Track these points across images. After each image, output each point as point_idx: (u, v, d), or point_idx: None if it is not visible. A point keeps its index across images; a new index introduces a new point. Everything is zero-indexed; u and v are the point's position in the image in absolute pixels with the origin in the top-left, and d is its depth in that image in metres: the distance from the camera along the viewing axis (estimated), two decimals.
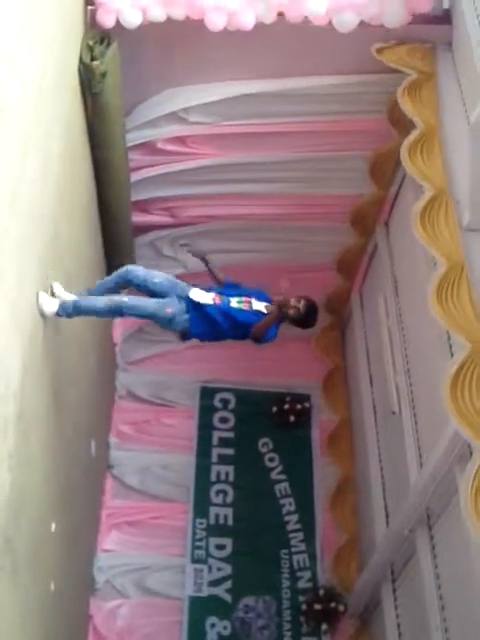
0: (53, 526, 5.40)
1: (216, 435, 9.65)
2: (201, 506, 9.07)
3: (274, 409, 9.69)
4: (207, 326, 5.42)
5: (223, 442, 9.60)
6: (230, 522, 9.05)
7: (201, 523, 8.97)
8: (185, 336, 5.57)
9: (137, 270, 5.52)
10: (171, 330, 5.50)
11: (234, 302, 5.44)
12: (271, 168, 8.39)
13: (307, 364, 10.12)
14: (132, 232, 8.51)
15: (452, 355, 6.12)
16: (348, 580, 8.51)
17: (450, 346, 6.24)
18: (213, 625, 8.42)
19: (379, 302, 8.48)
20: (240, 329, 5.44)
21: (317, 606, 8.43)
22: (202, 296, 5.40)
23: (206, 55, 7.29)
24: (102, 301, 5.30)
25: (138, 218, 8.62)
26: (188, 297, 5.37)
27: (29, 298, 4.56)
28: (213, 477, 9.30)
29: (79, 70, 6.20)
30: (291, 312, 5.42)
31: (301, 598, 8.61)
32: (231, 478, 9.32)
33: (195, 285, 5.52)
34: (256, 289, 5.69)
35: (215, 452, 9.51)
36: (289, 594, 8.68)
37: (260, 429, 9.70)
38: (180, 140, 8.05)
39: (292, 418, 9.68)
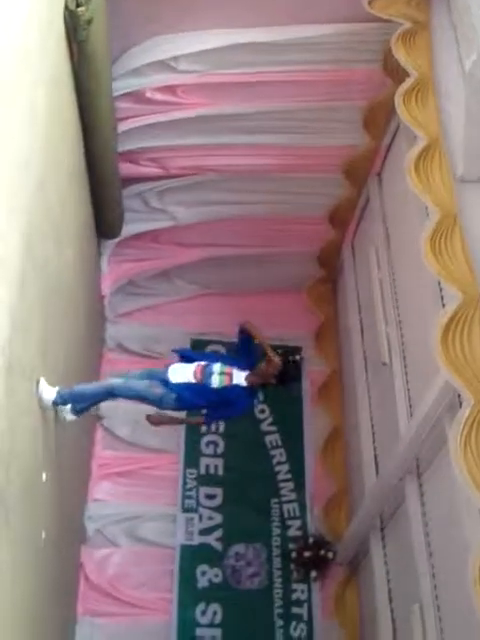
0: (44, 476, 5.43)
1: None
2: (191, 456, 9.15)
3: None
4: (195, 400, 5.57)
5: None
6: (220, 472, 9.14)
7: (191, 473, 9.05)
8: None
9: (118, 385, 5.63)
10: (164, 409, 5.69)
11: (215, 376, 5.53)
12: (263, 118, 8.27)
13: (299, 316, 10.12)
14: (120, 183, 8.39)
15: (444, 305, 6.12)
16: (337, 528, 8.64)
17: (442, 297, 6.24)
18: (204, 573, 8.55)
19: (371, 254, 8.45)
20: (221, 405, 5.60)
21: (307, 554, 8.57)
22: (180, 375, 5.53)
23: (195, 1, 7.13)
24: (94, 387, 5.71)
25: (126, 169, 8.49)
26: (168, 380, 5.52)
27: (16, 250, 4.51)
28: (203, 428, 9.34)
29: (64, 17, 6.04)
30: (271, 371, 5.54)
31: (291, 546, 8.75)
32: (221, 429, 9.39)
33: (171, 363, 5.65)
34: (240, 352, 5.75)
35: None
36: (279, 542, 8.81)
37: None
38: (169, 89, 7.91)
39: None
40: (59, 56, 5.92)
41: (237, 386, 5.55)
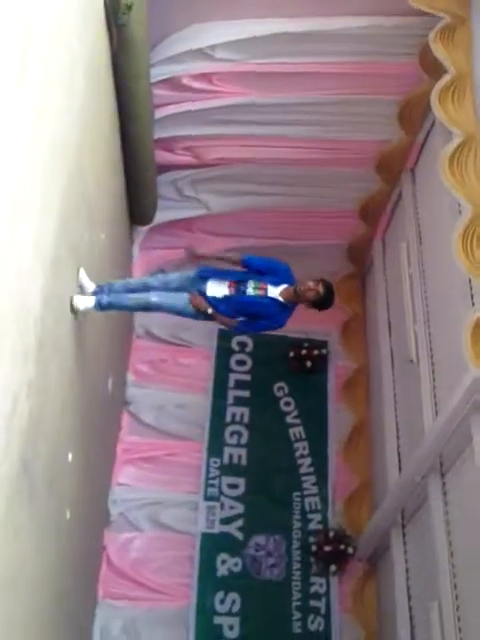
0: (70, 456, 5.49)
1: (232, 377, 9.72)
2: (215, 445, 9.18)
3: (291, 354, 9.72)
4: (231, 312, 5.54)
5: (239, 384, 9.67)
6: (244, 462, 9.16)
7: (215, 462, 9.08)
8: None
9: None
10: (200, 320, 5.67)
11: (250, 288, 5.50)
12: (298, 110, 8.26)
13: (326, 311, 10.06)
14: (154, 170, 8.43)
15: (473, 304, 6.09)
16: (358, 523, 8.62)
17: (472, 295, 6.21)
18: (224, 561, 8.58)
19: (401, 250, 8.41)
20: (255, 317, 5.57)
21: (327, 547, 8.56)
22: (216, 290, 5.50)
23: None
24: (130, 299, 5.62)
25: (161, 157, 8.53)
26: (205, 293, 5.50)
27: (52, 228, 4.55)
28: (228, 418, 9.38)
29: (105, 1, 6.08)
30: (310, 295, 5.45)
31: (311, 539, 8.75)
32: (246, 420, 9.41)
33: (208, 276, 5.58)
34: (274, 267, 5.68)
35: (231, 394, 9.58)
36: (300, 535, 8.81)
37: (276, 373, 9.75)
38: (206, 77, 7.93)
39: (309, 363, 9.72)
40: (98, 40, 5.96)
41: (274, 300, 5.49)
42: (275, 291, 5.52)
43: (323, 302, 5.52)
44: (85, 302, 5.37)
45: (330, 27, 7.45)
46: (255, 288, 5.51)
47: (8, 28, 3.48)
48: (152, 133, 7.84)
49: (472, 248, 5.94)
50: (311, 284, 5.44)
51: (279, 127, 8.47)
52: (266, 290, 5.51)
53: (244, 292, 5.49)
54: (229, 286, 5.51)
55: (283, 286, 5.53)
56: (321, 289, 5.44)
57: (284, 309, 5.57)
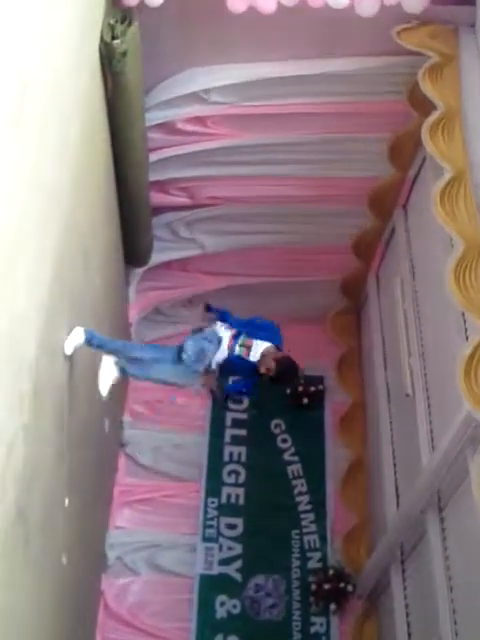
0: (66, 501, 5.46)
1: (229, 416, 9.70)
2: (213, 485, 9.14)
3: (287, 391, 9.71)
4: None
5: (236, 423, 9.65)
6: (241, 502, 9.11)
7: (213, 502, 9.03)
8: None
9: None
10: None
11: (237, 346, 5.48)
12: (290, 149, 8.35)
13: (321, 346, 10.12)
14: (150, 212, 8.51)
15: (467, 338, 6.11)
16: (358, 561, 8.56)
17: (465, 329, 6.23)
18: (223, 603, 8.49)
19: (395, 285, 8.46)
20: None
21: (326, 586, 8.48)
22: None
23: (227, 35, 7.25)
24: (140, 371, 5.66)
25: (156, 198, 8.60)
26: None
27: (46, 273, 4.59)
28: (226, 457, 9.36)
29: (100, 49, 6.17)
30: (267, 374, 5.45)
31: (311, 578, 8.67)
32: (243, 459, 9.38)
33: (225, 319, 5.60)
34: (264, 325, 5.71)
35: (228, 433, 9.56)
36: (299, 574, 8.74)
37: (273, 410, 9.74)
38: (199, 120, 8.03)
39: (305, 400, 9.71)
40: (93, 87, 6.05)
41: (250, 364, 5.47)
42: (257, 352, 5.48)
43: (279, 377, 5.50)
44: (75, 340, 5.34)
45: (320, 69, 7.56)
46: (241, 346, 5.50)
47: (5, 76, 3.55)
48: (147, 176, 7.91)
49: (465, 282, 5.98)
50: (271, 365, 5.41)
51: (272, 166, 8.56)
52: (250, 350, 5.49)
53: (233, 351, 5.49)
54: (230, 339, 5.50)
55: (267, 345, 5.51)
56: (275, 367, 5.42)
57: (252, 375, 5.56)
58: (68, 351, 5.29)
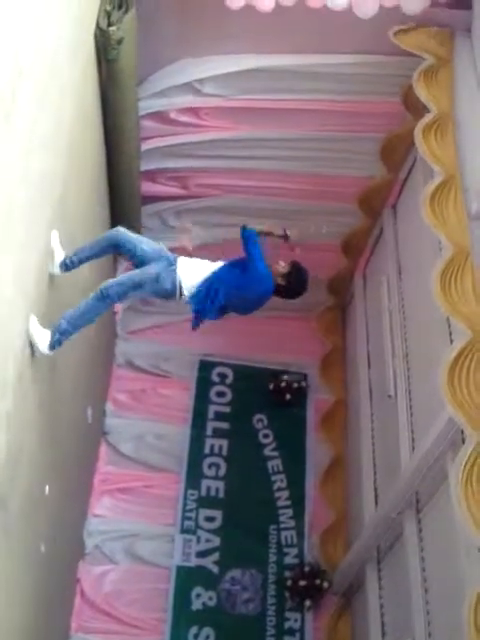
0: (46, 489, 5.45)
1: (212, 409, 9.69)
2: (193, 477, 9.13)
3: (271, 386, 9.72)
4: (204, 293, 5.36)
5: (219, 416, 9.64)
6: (221, 495, 9.11)
7: (192, 494, 9.03)
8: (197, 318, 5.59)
9: (126, 232, 5.30)
10: (161, 289, 5.19)
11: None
12: (282, 145, 8.37)
13: (306, 343, 10.13)
14: (140, 201, 8.49)
15: (452, 342, 6.14)
16: (334, 558, 8.58)
17: (450, 333, 6.25)
18: (199, 595, 8.50)
19: (382, 285, 8.48)
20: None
21: (302, 582, 8.50)
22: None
23: (224, 27, 7.26)
24: (85, 302, 5.00)
25: (146, 188, 8.59)
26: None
27: (35, 260, 4.57)
28: (207, 450, 9.34)
29: (95, 35, 6.14)
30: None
31: (287, 574, 8.69)
32: (224, 452, 9.37)
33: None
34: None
35: (210, 425, 9.55)
36: (275, 569, 8.76)
37: (256, 405, 9.73)
38: (193, 111, 8.03)
39: (288, 396, 9.70)
40: (88, 74, 6.02)
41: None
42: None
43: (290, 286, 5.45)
44: (40, 342, 4.72)
45: (315, 63, 7.57)
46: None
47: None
48: (138, 165, 7.90)
49: (451, 287, 6.00)
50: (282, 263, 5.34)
51: (264, 161, 8.57)
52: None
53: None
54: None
55: None
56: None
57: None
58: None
